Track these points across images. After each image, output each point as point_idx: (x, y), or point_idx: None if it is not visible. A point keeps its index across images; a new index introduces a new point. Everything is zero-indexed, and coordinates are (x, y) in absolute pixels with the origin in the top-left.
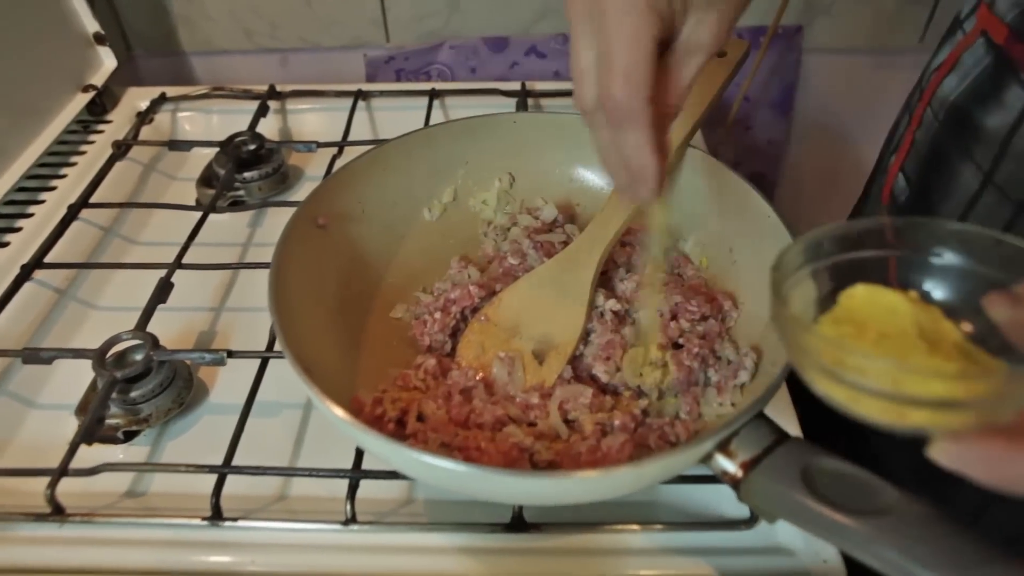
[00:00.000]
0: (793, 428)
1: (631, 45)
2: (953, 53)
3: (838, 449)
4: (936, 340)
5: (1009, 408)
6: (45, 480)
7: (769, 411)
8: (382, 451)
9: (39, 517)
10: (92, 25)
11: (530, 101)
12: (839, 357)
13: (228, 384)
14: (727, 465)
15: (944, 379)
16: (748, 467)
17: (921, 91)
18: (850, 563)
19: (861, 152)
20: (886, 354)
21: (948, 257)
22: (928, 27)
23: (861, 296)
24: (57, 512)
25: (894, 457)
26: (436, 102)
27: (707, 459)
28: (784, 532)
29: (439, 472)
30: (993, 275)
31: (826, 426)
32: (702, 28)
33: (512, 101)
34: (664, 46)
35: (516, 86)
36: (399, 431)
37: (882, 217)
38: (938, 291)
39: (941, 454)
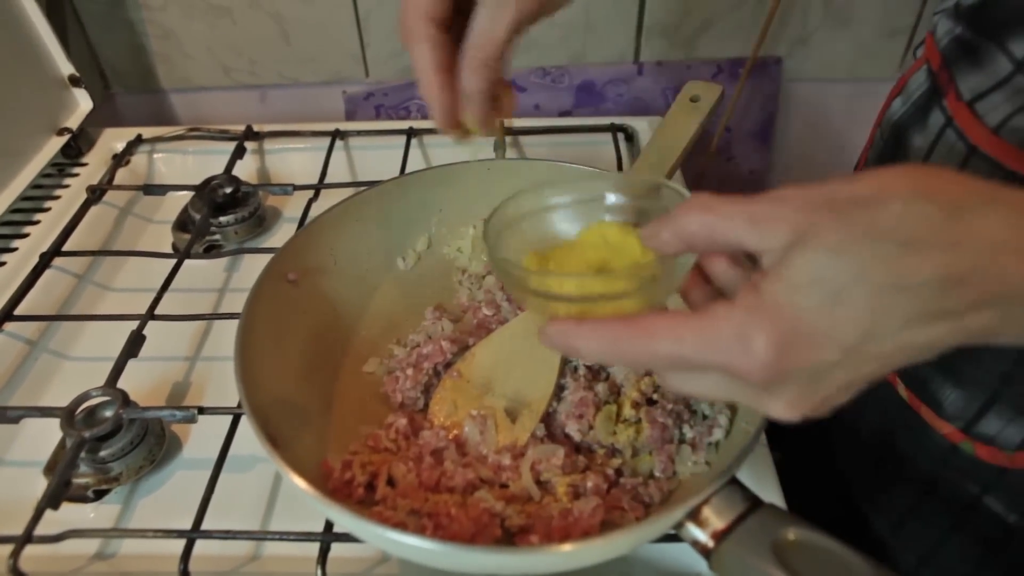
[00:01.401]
0: (771, 485)
1: None
2: (903, 77)
3: (820, 495)
4: (623, 265)
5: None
6: (9, 548)
7: (748, 464)
8: (348, 526)
9: None
10: (67, 67)
11: (508, 139)
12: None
13: (201, 438)
14: (698, 534)
15: (582, 281)
16: (719, 537)
17: (879, 114)
18: None
19: None
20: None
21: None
22: (905, 58)
23: (593, 231)
24: None
25: (876, 500)
26: (414, 141)
27: (679, 527)
28: None
29: (406, 547)
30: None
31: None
32: None
33: (490, 140)
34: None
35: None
36: (369, 496)
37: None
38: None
39: (554, 332)
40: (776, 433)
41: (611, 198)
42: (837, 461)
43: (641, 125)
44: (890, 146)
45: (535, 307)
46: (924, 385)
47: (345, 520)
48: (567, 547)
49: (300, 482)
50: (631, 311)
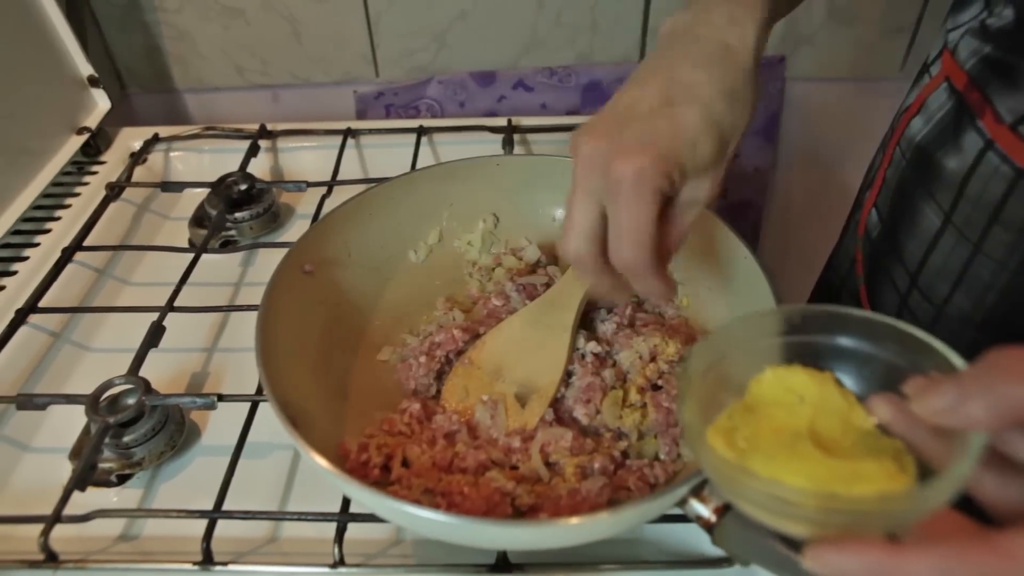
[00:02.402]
0: None
1: (639, 223)
2: (920, 96)
3: None
4: (839, 433)
5: (902, 522)
6: (39, 527)
7: None
8: (367, 501)
9: (33, 564)
10: (86, 68)
11: (516, 137)
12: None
13: (220, 426)
14: (701, 510)
15: (819, 498)
16: (721, 512)
17: (892, 130)
18: None
19: (845, 178)
20: (769, 457)
21: (852, 342)
22: (908, 57)
23: (769, 381)
24: (51, 559)
25: None
26: (424, 139)
27: (682, 504)
28: (762, 572)
29: (422, 521)
30: (895, 360)
31: None
32: (699, 190)
33: (499, 138)
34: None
35: (503, 122)
36: (384, 476)
37: (793, 306)
38: (847, 377)
39: (815, 563)
40: None
41: (778, 333)
42: None
43: None
44: (916, 168)
45: (758, 513)
46: None
47: (363, 496)
48: (575, 520)
49: (320, 460)
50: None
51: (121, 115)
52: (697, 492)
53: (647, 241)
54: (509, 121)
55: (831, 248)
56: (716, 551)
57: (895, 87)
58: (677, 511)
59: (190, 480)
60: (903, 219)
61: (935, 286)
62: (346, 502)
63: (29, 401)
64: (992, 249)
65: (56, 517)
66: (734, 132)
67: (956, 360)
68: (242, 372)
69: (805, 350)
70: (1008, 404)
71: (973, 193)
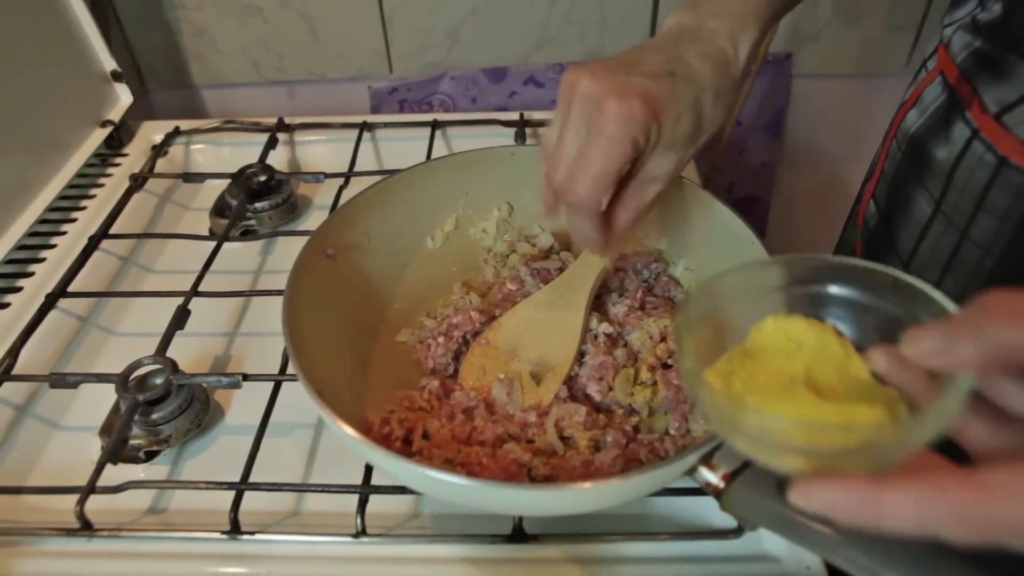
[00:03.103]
0: None
1: (609, 161)
2: (916, 89)
3: None
4: (835, 380)
5: (886, 458)
6: (74, 498)
7: None
8: (391, 467)
9: (69, 532)
10: (109, 63)
11: (528, 130)
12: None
13: (243, 406)
14: (710, 477)
15: (809, 429)
16: (729, 478)
17: (891, 124)
18: (832, 571)
19: (850, 173)
20: (764, 398)
21: (852, 293)
22: (912, 53)
23: (770, 328)
24: (86, 527)
25: None
26: (438, 132)
27: (692, 471)
28: (769, 541)
29: (444, 486)
30: (894, 311)
31: None
32: (662, 167)
33: (511, 131)
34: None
35: (515, 116)
36: (405, 449)
37: (795, 256)
38: (847, 327)
39: (801, 497)
40: None
41: (781, 284)
42: None
43: None
44: (909, 158)
45: (750, 447)
46: None
47: (388, 463)
48: (590, 484)
49: (347, 428)
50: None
51: (141, 110)
52: (706, 460)
53: (605, 182)
54: (521, 115)
55: (836, 241)
56: (724, 522)
57: (900, 84)
58: (686, 484)
59: (215, 457)
60: (897, 209)
61: (925, 273)
62: (367, 476)
63: (62, 380)
64: (978, 235)
65: (91, 488)
66: (710, 127)
67: (951, 308)
68: (264, 355)
69: (806, 300)
70: (995, 344)
71: (960, 181)
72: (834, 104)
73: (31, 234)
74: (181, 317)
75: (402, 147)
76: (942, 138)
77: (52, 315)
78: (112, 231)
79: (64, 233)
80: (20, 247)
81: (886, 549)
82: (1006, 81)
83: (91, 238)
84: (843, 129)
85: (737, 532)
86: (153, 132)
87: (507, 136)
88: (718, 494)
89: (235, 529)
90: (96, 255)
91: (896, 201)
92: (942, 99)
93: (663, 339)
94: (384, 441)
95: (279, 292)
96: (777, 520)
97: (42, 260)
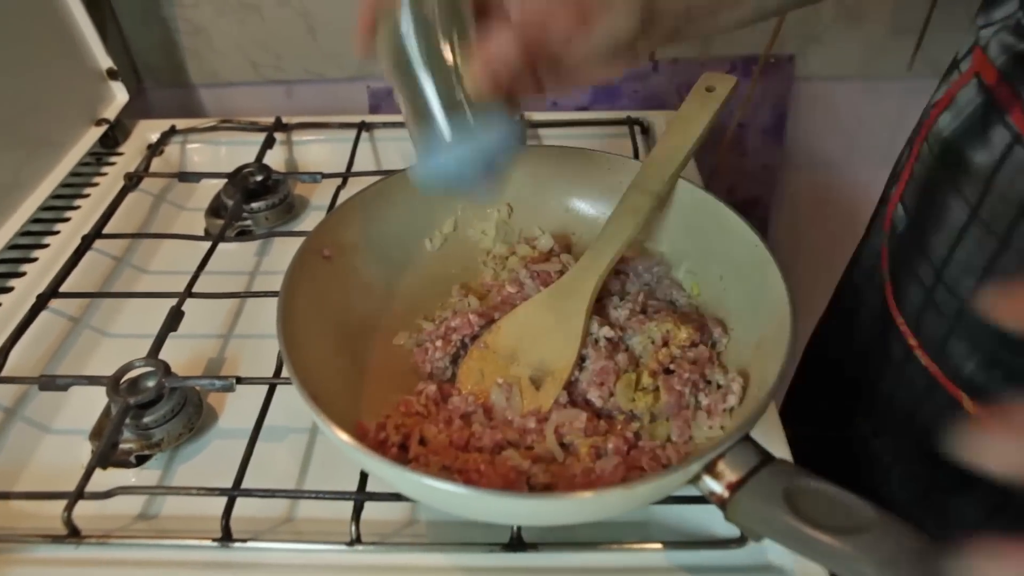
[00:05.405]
0: (781, 449)
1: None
2: (949, 91)
3: (829, 472)
4: None
5: None
6: (62, 503)
7: (759, 435)
8: (386, 475)
9: (56, 539)
10: (105, 61)
11: (527, 131)
12: None
13: (236, 409)
14: (714, 486)
15: None
16: (734, 488)
17: (920, 126)
18: None
19: (852, 175)
20: None
21: None
22: (915, 56)
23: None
24: (73, 534)
25: (887, 477)
26: None
27: (695, 480)
28: (774, 551)
29: (440, 494)
30: None
31: (817, 451)
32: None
33: None
34: None
35: None
36: (402, 455)
37: None
38: None
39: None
40: (788, 413)
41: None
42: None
43: (658, 119)
44: (943, 162)
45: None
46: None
47: (383, 470)
48: (590, 494)
49: (342, 435)
50: None
51: (137, 109)
52: (710, 469)
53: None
54: (521, 115)
55: (838, 245)
56: (727, 531)
57: (903, 86)
58: (688, 491)
59: (207, 462)
60: (930, 214)
61: (960, 280)
62: (362, 482)
63: (51, 382)
64: (1019, 243)
65: (79, 493)
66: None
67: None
68: (258, 357)
69: None
70: None
71: (1000, 187)
72: (836, 106)
73: (23, 233)
74: (175, 318)
75: (401, 147)
76: (979, 142)
77: (43, 316)
78: (106, 231)
79: (57, 232)
80: (12, 246)
81: (899, 563)
82: None
83: (84, 238)
84: (846, 131)
85: (740, 542)
86: (149, 131)
87: None
88: (722, 504)
89: (227, 536)
90: (89, 255)
91: (928, 206)
92: (978, 102)
93: (665, 344)
94: (380, 447)
95: (275, 293)
96: (782, 531)
97: (34, 260)
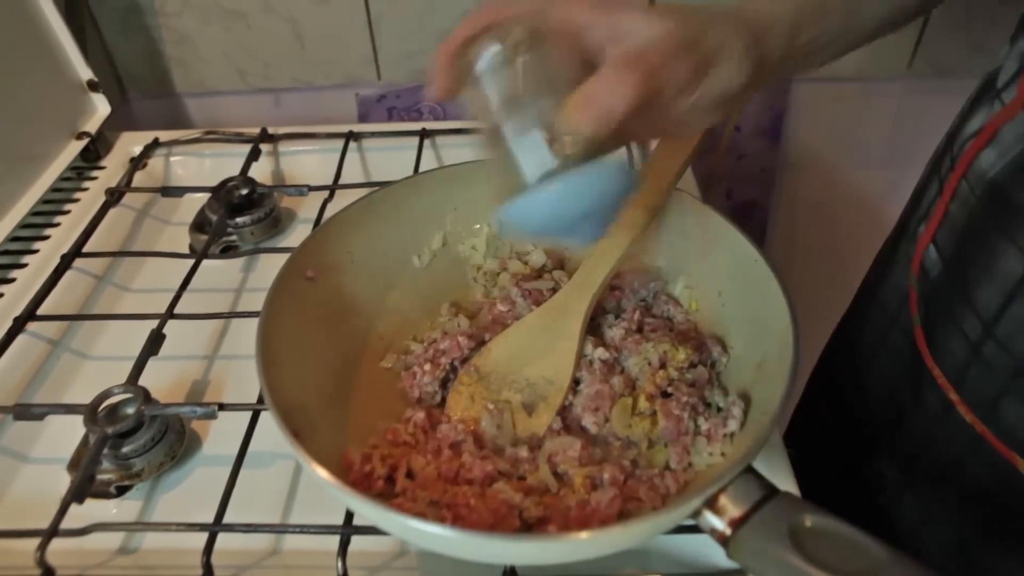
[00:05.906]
0: (786, 478)
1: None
2: (991, 124)
3: (836, 499)
4: None
5: None
6: (35, 541)
7: (762, 463)
8: (370, 515)
9: None
10: (86, 73)
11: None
12: None
13: (221, 435)
14: (716, 523)
15: None
16: (736, 524)
17: (953, 160)
18: None
19: (851, 178)
20: None
21: None
22: (914, 58)
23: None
24: (47, 574)
25: (917, 528)
26: (427, 142)
27: (696, 515)
28: None
29: (426, 536)
30: None
31: (824, 476)
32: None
33: None
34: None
35: None
36: (388, 488)
37: None
38: None
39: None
40: (791, 432)
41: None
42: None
43: None
44: (988, 203)
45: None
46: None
47: (366, 510)
48: (585, 535)
49: (323, 472)
50: None
51: (121, 119)
52: (711, 504)
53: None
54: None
55: (838, 247)
56: (729, 563)
57: (901, 88)
58: (689, 521)
59: (191, 491)
60: (975, 262)
61: (1016, 338)
62: (349, 514)
63: (27, 411)
64: None
65: (53, 531)
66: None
67: None
68: (244, 380)
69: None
70: None
71: None
72: (834, 108)
73: (1, 253)
74: (155, 342)
75: (389, 157)
76: None
77: (20, 339)
78: (86, 249)
79: (36, 251)
80: None
81: None
82: None
83: (64, 256)
84: (844, 133)
85: (742, 573)
86: (131, 143)
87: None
88: (724, 542)
89: (208, 574)
90: (69, 274)
91: (973, 253)
92: None
93: (663, 365)
94: (365, 480)
95: (259, 314)
96: (788, 571)
97: (12, 280)
